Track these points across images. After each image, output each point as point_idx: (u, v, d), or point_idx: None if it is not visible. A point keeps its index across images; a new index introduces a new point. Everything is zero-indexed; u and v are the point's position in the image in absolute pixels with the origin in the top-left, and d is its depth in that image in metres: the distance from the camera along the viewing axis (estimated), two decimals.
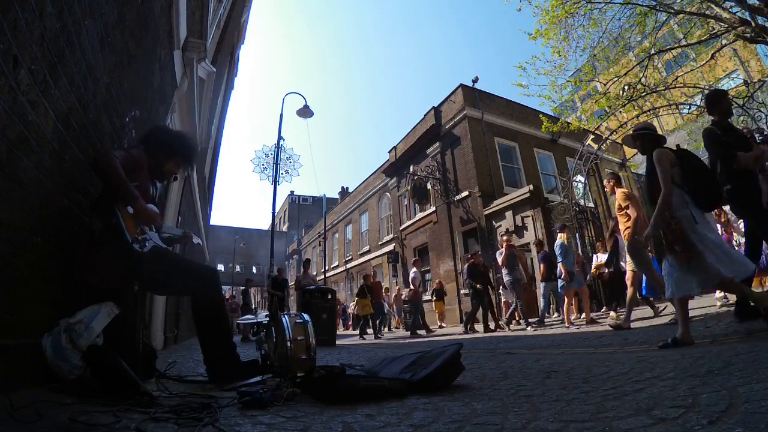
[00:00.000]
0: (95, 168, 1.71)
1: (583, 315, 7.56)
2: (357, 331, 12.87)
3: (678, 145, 3.19)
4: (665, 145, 2.95)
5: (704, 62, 8.49)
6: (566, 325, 6.04)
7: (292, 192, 42.16)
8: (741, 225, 6.25)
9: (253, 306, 12.14)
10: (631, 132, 3.20)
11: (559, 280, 6.38)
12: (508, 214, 11.26)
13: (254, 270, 34.65)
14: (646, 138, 3.01)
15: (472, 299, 7.89)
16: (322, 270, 20.59)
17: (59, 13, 1.39)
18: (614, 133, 10.39)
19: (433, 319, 11.50)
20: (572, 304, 6.94)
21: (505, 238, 7.79)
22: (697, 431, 0.88)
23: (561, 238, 6.42)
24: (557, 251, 6.34)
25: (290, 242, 36.60)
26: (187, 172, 5.21)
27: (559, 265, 6.27)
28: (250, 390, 1.49)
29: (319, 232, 24.24)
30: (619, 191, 4.71)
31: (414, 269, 10.14)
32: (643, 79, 8.40)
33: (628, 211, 4.44)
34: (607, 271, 7.20)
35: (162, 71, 3.20)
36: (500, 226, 11.53)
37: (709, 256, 2.46)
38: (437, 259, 13.64)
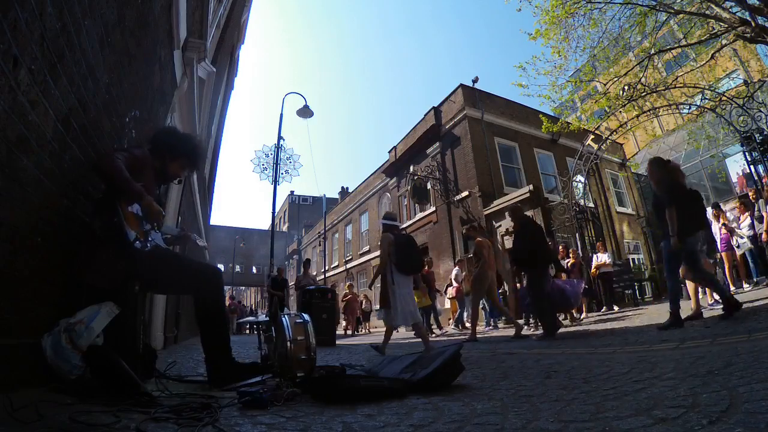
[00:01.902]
0: (97, 170, 1.70)
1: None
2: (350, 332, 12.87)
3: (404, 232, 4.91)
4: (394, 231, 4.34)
5: (704, 62, 8.49)
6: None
7: (292, 192, 42.15)
8: (742, 225, 6.26)
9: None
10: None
11: None
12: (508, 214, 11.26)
13: (254, 270, 34.65)
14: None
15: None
16: (322, 270, 20.60)
17: (59, 13, 1.38)
18: (614, 133, 10.40)
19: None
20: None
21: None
22: (698, 431, 0.88)
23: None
24: None
25: (290, 242, 36.59)
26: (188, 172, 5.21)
27: None
28: (250, 390, 1.50)
29: (319, 232, 24.24)
30: (476, 240, 5.96)
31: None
32: (643, 79, 8.41)
33: (480, 255, 5.70)
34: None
35: (162, 71, 3.20)
36: (500, 226, 11.53)
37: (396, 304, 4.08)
38: (437, 259, 13.63)
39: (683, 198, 3.61)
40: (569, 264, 7.84)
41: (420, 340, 4.39)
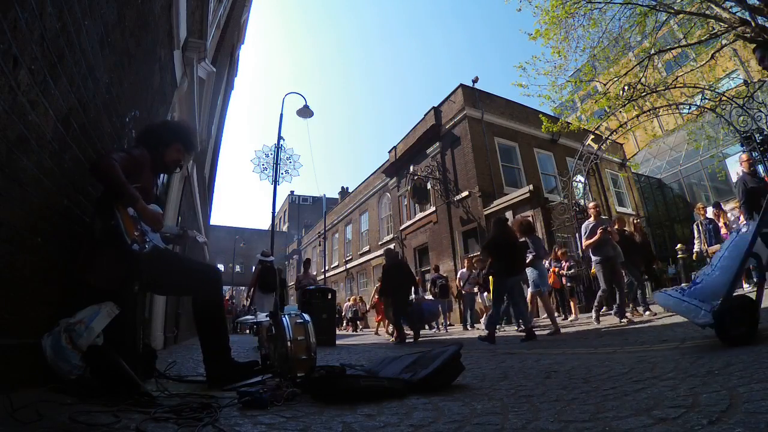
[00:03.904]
0: (94, 172, 1.69)
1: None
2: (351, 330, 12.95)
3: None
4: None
5: (704, 62, 8.48)
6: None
7: (292, 192, 42.17)
8: (742, 225, 6.24)
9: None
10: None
11: None
12: (509, 214, 11.26)
13: (254, 270, 34.66)
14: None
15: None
16: (322, 270, 20.60)
17: (59, 13, 1.38)
18: (614, 133, 10.40)
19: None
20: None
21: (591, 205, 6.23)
22: (698, 431, 0.88)
23: None
24: None
25: (290, 242, 36.60)
26: (188, 170, 5.21)
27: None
28: (250, 390, 1.49)
29: (319, 232, 24.24)
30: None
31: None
32: (643, 79, 8.40)
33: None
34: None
35: (162, 71, 3.20)
36: None
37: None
38: (437, 259, 13.63)
39: (507, 249, 4.94)
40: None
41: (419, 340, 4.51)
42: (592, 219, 5.62)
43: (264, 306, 6.57)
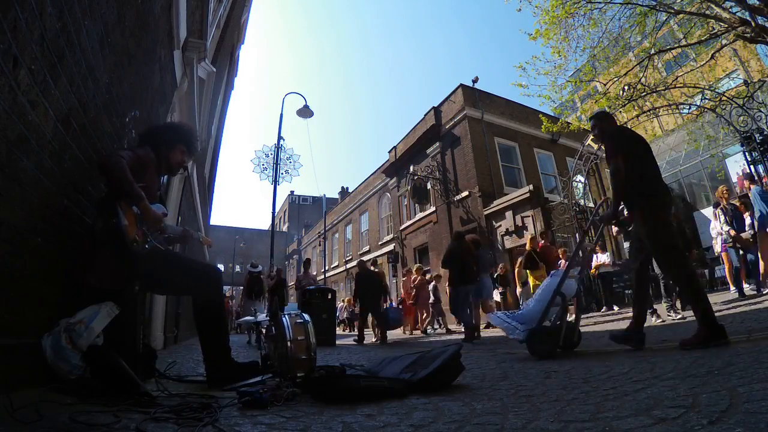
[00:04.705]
0: (102, 169, 1.70)
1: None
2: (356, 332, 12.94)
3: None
4: None
5: (704, 62, 8.47)
6: None
7: (292, 192, 42.16)
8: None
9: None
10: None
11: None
12: (508, 214, 11.26)
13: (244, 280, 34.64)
14: None
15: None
16: (322, 270, 20.60)
17: (59, 13, 1.38)
18: None
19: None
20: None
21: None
22: (698, 431, 0.88)
23: None
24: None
25: (290, 242, 36.59)
26: (188, 170, 5.21)
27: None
28: (250, 390, 1.49)
29: (319, 232, 24.24)
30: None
31: None
32: (643, 79, 8.40)
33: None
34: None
35: (162, 71, 3.20)
36: (500, 226, 11.54)
37: None
38: (437, 259, 13.61)
39: (460, 261, 5.66)
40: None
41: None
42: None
43: (250, 310, 7.85)
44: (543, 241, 7.53)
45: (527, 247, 7.28)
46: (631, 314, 2.93)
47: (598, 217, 3.50)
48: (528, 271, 7.18)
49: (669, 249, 2.54)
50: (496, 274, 9.32)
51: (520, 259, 7.79)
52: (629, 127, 9.90)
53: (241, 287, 11.80)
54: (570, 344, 2.89)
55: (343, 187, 32.31)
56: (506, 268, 9.83)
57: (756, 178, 7.10)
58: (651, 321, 4.81)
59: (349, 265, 21.54)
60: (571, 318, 3.28)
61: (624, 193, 2.68)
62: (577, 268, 3.27)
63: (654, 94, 8.73)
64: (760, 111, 7.48)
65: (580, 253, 3.76)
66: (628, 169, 2.60)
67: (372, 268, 9.68)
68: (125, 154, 1.76)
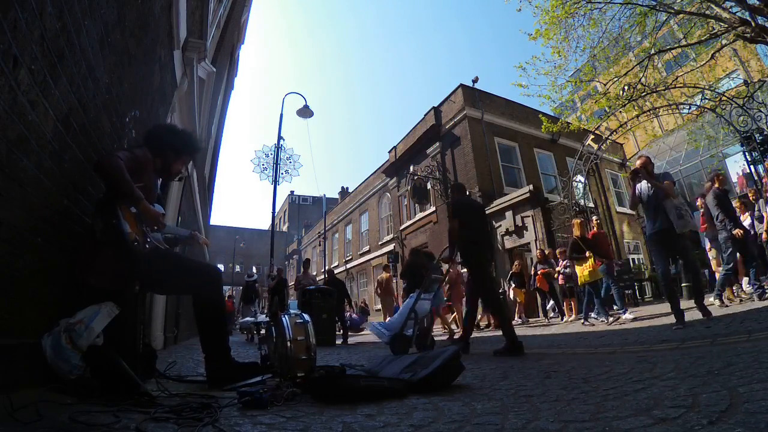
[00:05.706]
0: (98, 169, 1.69)
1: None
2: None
3: None
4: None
5: (704, 62, 8.48)
6: None
7: (292, 192, 42.15)
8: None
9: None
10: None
11: None
12: (508, 214, 11.26)
13: (254, 270, 34.72)
14: None
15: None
16: (322, 270, 20.58)
17: (59, 13, 1.38)
18: (614, 133, 10.40)
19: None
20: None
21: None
22: (698, 431, 0.88)
23: None
24: None
25: (290, 242, 36.60)
26: (188, 170, 5.21)
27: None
28: (250, 390, 1.49)
29: (319, 232, 24.23)
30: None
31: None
32: (643, 79, 8.40)
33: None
34: None
35: (162, 71, 3.20)
36: (500, 226, 11.54)
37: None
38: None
39: (414, 273, 6.13)
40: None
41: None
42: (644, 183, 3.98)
43: (249, 311, 9.83)
44: (595, 229, 6.64)
45: (575, 233, 6.34)
46: (630, 314, 2.92)
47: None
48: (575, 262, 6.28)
49: (486, 282, 3.89)
50: (510, 272, 9.19)
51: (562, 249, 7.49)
52: (629, 127, 9.94)
53: (241, 287, 12.49)
54: (423, 346, 3.98)
55: (343, 187, 32.30)
56: (521, 265, 9.03)
57: (756, 178, 7.10)
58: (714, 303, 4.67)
59: (349, 265, 21.55)
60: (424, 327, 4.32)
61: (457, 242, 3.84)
62: (430, 293, 4.25)
63: (654, 94, 8.74)
64: (760, 111, 7.48)
65: (430, 279, 4.44)
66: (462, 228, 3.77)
67: (384, 274, 10.20)
68: (122, 155, 1.75)
